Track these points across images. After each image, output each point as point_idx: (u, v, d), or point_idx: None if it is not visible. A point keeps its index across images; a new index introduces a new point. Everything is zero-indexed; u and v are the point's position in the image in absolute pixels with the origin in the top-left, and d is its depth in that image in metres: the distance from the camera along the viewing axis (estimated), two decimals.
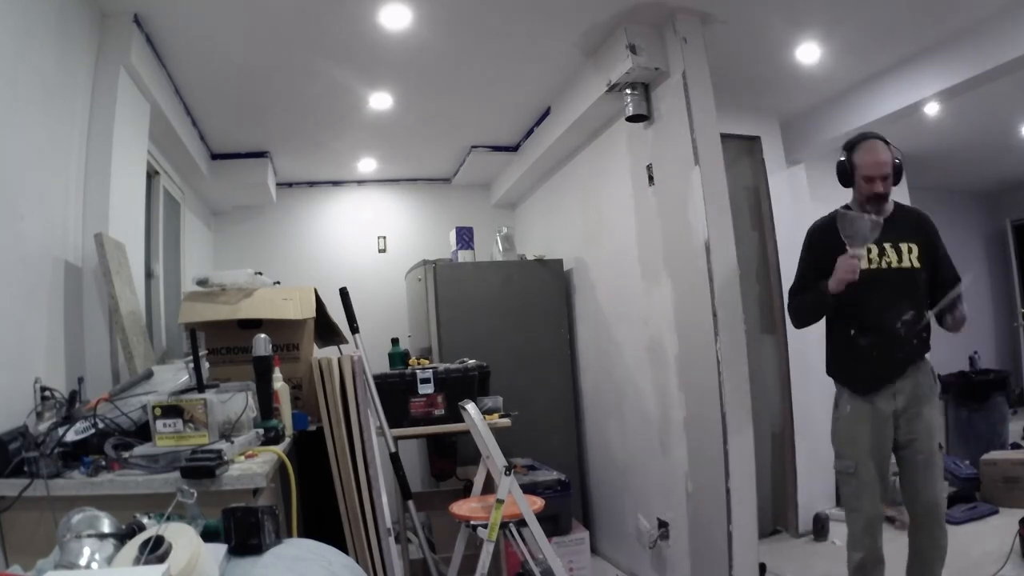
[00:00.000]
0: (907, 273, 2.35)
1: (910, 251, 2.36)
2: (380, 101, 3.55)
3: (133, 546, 1.02)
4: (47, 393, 1.78)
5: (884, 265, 2.35)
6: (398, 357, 3.22)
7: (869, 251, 2.33)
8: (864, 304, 2.33)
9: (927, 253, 2.37)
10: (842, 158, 2.44)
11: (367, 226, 5.10)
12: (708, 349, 2.70)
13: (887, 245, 2.34)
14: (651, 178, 3.09)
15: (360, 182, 5.10)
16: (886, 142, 2.37)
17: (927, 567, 2.48)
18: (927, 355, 2.43)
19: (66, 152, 2.18)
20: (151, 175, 3.27)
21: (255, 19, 2.64)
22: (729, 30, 2.93)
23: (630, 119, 3.04)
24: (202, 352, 2.14)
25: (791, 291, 2.60)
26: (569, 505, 3.36)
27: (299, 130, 3.94)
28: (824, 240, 2.41)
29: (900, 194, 5.25)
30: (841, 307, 2.37)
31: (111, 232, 2.29)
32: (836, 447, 2.47)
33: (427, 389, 3.00)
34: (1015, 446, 4.42)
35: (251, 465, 1.56)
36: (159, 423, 1.57)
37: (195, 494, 1.19)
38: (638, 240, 3.27)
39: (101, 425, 1.64)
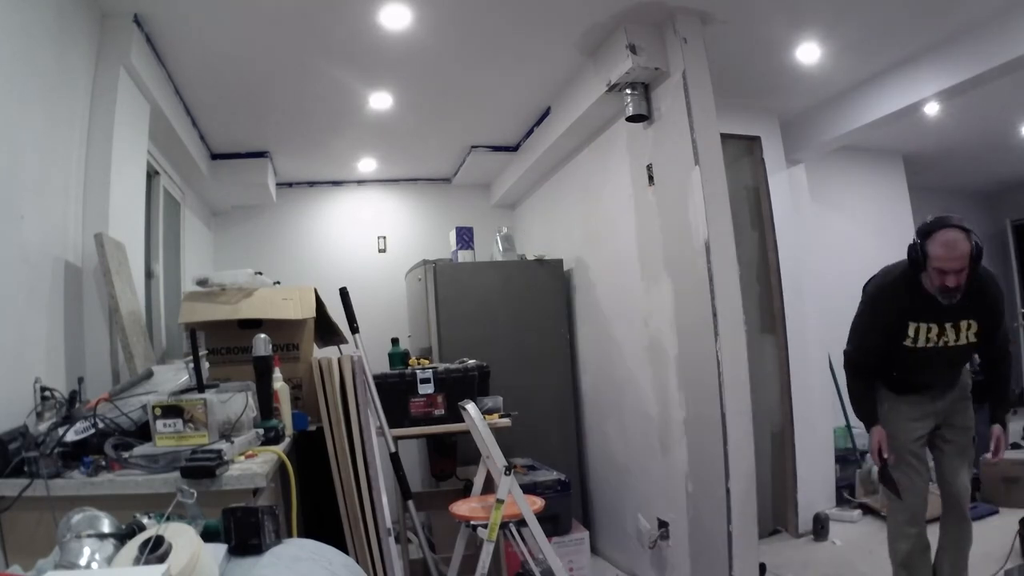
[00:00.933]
0: (962, 349, 2.38)
1: (968, 327, 2.34)
2: (380, 101, 3.55)
3: (133, 546, 1.02)
4: (47, 393, 1.78)
5: (941, 344, 2.35)
6: (398, 357, 3.23)
7: (930, 331, 2.34)
8: (913, 369, 2.43)
9: (985, 325, 2.35)
10: (915, 241, 2.29)
11: (367, 226, 5.10)
12: (708, 349, 2.70)
13: (948, 325, 2.33)
14: (651, 178, 3.09)
15: (360, 182, 5.10)
16: (966, 230, 2.21)
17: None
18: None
19: (66, 152, 2.18)
20: (151, 175, 3.27)
21: (255, 19, 2.64)
22: (729, 30, 2.93)
23: (630, 119, 3.04)
24: (202, 352, 2.14)
25: (852, 354, 2.56)
26: (569, 505, 3.36)
27: (299, 130, 3.94)
28: (892, 305, 2.39)
29: (900, 193, 5.30)
30: (890, 364, 2.49)
31: (111, 232, 2.29)
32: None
33: (427, 389, 3.00)
34: (1015, 446, 4.42)
35: (251, 465, 1.56)
36: (159, 423, 1.57)
37: (195, 494, 1.19)
38: (638, 240, 3.27)
39: (101, 425, 1.64)
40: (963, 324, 2.33)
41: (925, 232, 2.27)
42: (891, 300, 2.39)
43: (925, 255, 2.25)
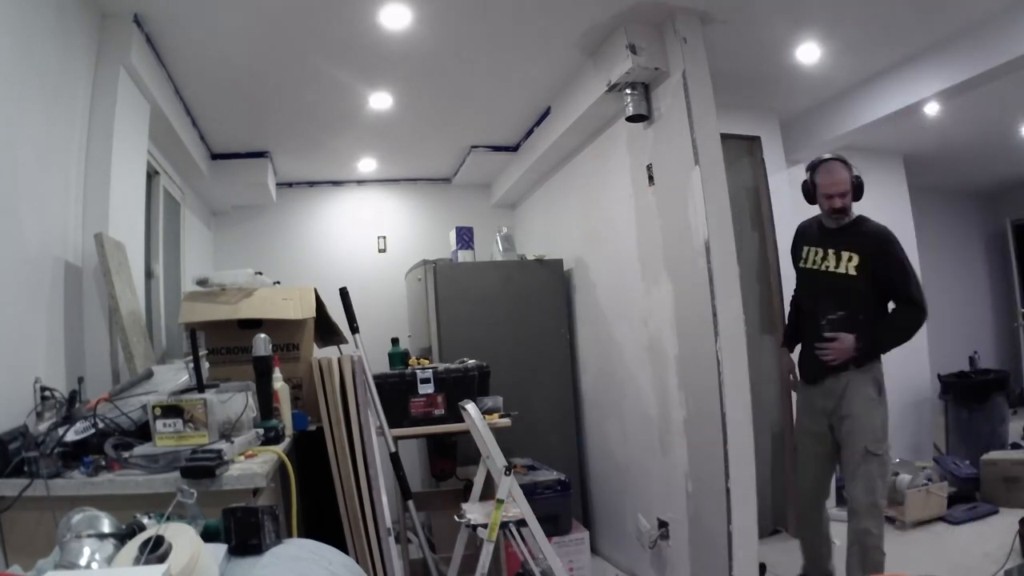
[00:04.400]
0: (840, 278, 2.67)
1: (849, 260, 2.65)
2: (380, 101, 3.55)
3: (133, 546, 1.02)
4: (47, 393, 1.78)
5: (824, 268, 2.72)
6: (398, 357, 3.22)
7: (816, 253, 2.76)
8: (805, 299, 2.80)
9: (871, 266, 2.61)
10: (805, 178, 2.80)
11: (367, 226, 5.10)
12: (708, 349, 2.70)
13: (831, 251, 2.70)
14: (651, 178, 3.09)
15: (360, 182, 5.10)
16: (845, 163, 2.69)
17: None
18: (871, 364, 2.68)
19: (66, 152, 2.18)
20: (151, 175, 3.27)
21: (255, 19, 2.64)
22: (729, 30, 2.93)
23: (630, 119, 3.04)
24: (202, 352, 2.14)
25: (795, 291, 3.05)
26: (569, 505, 3.36)
27: (299, 130, 3.94)
28: (799, 239, 2.94)
29: (900, 194, 5.30)
30: (797, 298, 2.94)
31: (111, 232, 2.29)
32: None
33: (427, 389, 3.00)
34: (1015, 446, 4.42)
35: (251, 465, 1.56)
36: (159, 423, 1.57)
37: (195, 494, 1.19)
38: (638, 240, 3.27)
39: (101, 425, 1.64)
40: (844, 255, 2.67)
41: (812, 168, 2.78)
42: (800, 235, 2.94)
43: (814, 185, 2.74)
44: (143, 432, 1.66)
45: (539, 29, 2.89)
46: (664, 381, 3.07)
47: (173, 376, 2.00)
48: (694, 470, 2.87)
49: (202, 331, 2.28)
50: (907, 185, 5.33)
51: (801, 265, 2.86)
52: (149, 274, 3.18)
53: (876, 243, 2.65)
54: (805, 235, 2.90)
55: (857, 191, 2.68)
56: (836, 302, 2.67)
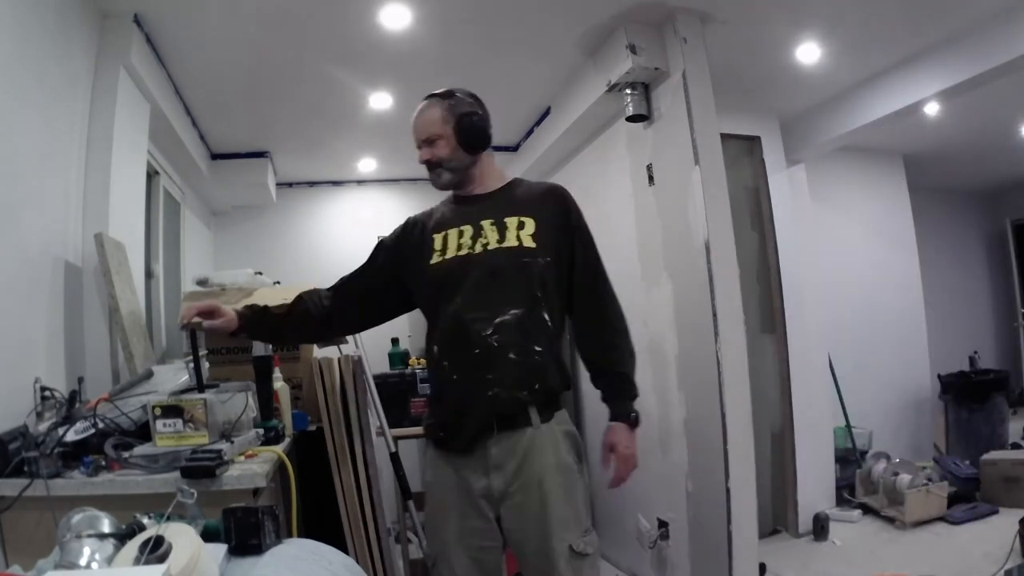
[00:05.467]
0: (512, 254, 1.63)
1: (521, 226, 1.66)
2: (380, 101, 3.55)
3: (133, 546, 1.02)
4: (47, 393, 1.78)
5: (479, 249, 1.64)
6: (398, 357, 3.23)
7: (449, 236, 1.69)
8: (442, 309, 1.65)
9: (549, 233, 1.69)
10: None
11: (367, 226, 5.08)
12: (708, 349, 2.70)
13: (485, 223, 1.66)
14: (651, 178, 3.09)
15: (360, 182, 5.09)
16: (446, 96, 1.73)
17: None
18: (558, 402, 1.74)
19: (66, 152, 2.18)
20: (151, 175, 3.27)
21: (255, 19, 2.64)
22: (729, 30, 2.93)
23: (630, 119, 3.04)
24: (202, 352, 2.14)
25: None
26: None
27: (299, 130, 3.93)
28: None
29: (900, 193, 5.29)
30: (428, 323, 1.74)
31: (111, 232, 2.29)
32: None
33: (427, 389, 3.00)
34: (1015, 446, 4.42)
35: (251, 465, 1.56)
36: (159, 423, 1.57)
37: (195, 494, 1.19)
38: (638, 240, 3.27)
39: (101, 425, 1.64)
40: (509, 222, 1.68)
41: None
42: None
43: None
44: (143, 432, 1.66)
45: (539, 29, 2.89)
46: (664, 381, 3.07)
47: (173, 376, 2.00)
48: (694, 470, 2.87)
49: (202, 331, 2.28)
50: (907, 185, 5.33)
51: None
52: (149, 274, 3.18)
53: (551, 201, 1.81)
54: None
55: (464, 134, 1.70)
56: (505, 294, 1.62)
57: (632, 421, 1.93)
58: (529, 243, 1.65)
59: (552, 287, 1.69)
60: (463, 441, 1.62)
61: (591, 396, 3.96)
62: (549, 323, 1.67)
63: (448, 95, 1.74)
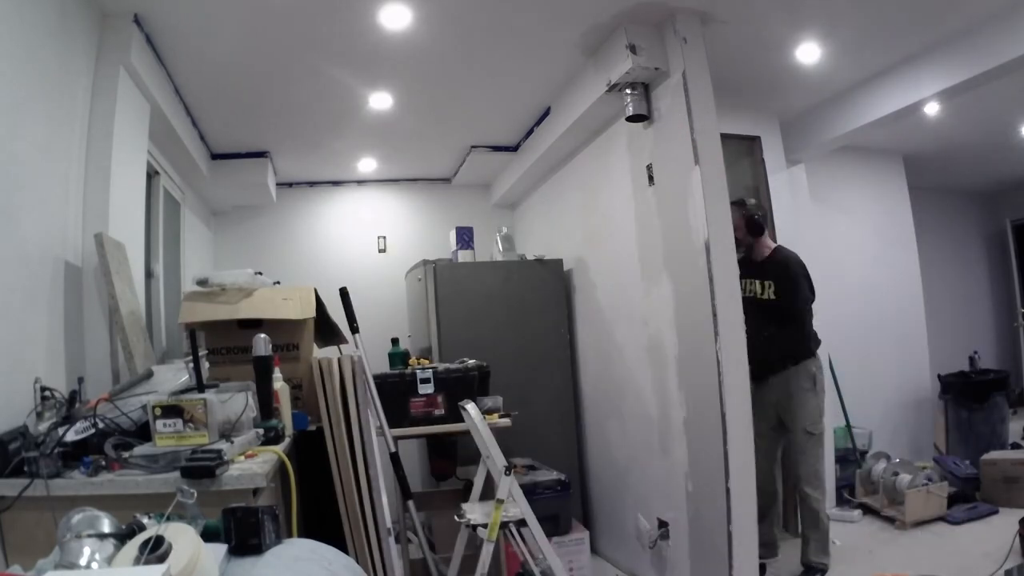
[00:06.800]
0: (764, 303, 3.24)
1: (768, 287, 3.25)
2: (380, 101, 3.55)
3: (133, 546, 1.02)
4: (47, 393, 1.78)
5: (751, 295, 3.24)
6: (398, 357, 3.23)
7: (748, 284, 3.25)
8: (748, 320, 2.95)
9: (782, 289, 3.21)
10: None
11: (367, 226, 5.10)
12: (708, 349, 2.70)
13: (757, 282, 3.28)
14: (651, 178, 3.09)
15: (360, 182, 5.10)
16: (742, 203, 3.23)
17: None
18: (804, 360, 3.19)
19: (66, 152, 2.18)
20: (151, 175, 3.27)
21: (255, 19, 2.64)
22: (729, 30, 2.93)
23: (630, 119, 3.04)
24: (202, 352, 2.14)
25: None
26: (569, 505, 3.36)
27: (299, 130, 3.94)
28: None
29: (900, 193, 5.30)
30: None
31: (111, 232, 2.29)
32: None
33: (427, 389, 3.00)
34: (1015, 446, 4.42)
35: (251, 465, 1.56)
36: (159, 423, 1.57)
37: (195, 494, 1.19)
38: (638, 240, 3.27)
39: (101, 425, 1.64)
40: (765, 284, 3.25)
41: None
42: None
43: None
44: (143, 432, 1.66)
45: (539, 29, 2.89)
46: (664, 381, 3.07)
47: (173, 376, 2.00)
48: (694, 470, 2.87)
49: (202, 331, 2.28)
50: (907, 185, 5.34)
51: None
52: (149, 274, 3.18)
53: (782, 270, 3.22)
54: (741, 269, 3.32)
55: (752, 227, 3.23)
56: (764, 322, 3.17)
57: None
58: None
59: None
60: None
61: (591, 396, 3.97)
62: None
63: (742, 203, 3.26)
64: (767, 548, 3.21)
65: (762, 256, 3.28)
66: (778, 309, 3.22)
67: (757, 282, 3.28)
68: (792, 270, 3.22)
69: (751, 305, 3.09)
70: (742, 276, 3.11)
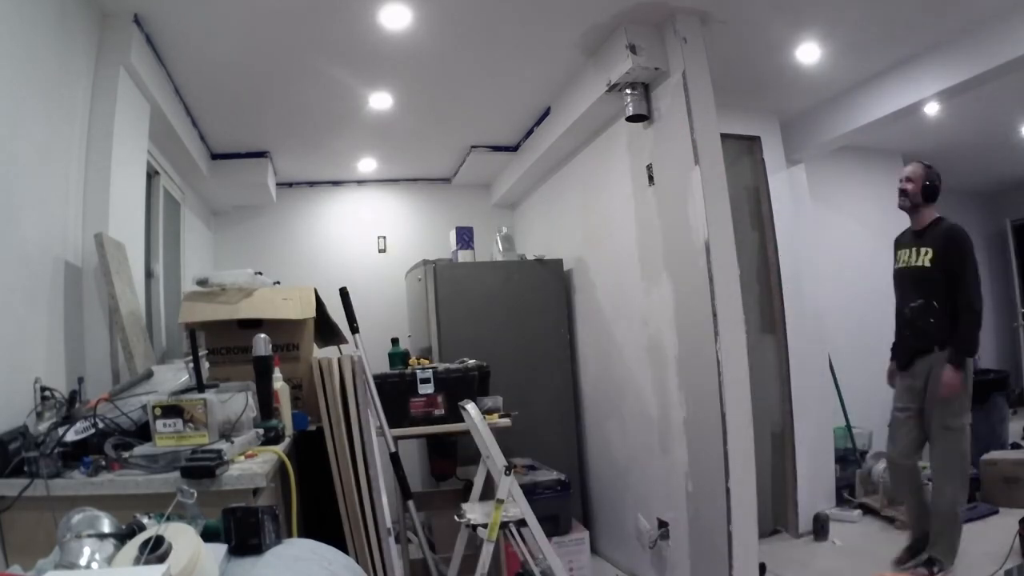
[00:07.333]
0: (915, 271, 3.09)
1: (925, 253, 3.08)
2: (380, 101, 3.55)
3: (133, 546, 1.02)
4: (47, 393, 1.78)
5: (904, 264, 3.16)
6: (398, 357, 3.23)
7: (901, 254, 3.23)
8: (897, 292, 3.14)
9: (940, 259, 3.01)
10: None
11: (367, 226, 5.10)
12: (708, 349, 2.70)
13: (912, 249, 3.14)
14: (651, 178, 3.09)
15: (360, 182, 5.10)
16: (925, 165, 3.22)
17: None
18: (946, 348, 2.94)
19: (66, 152, 2.18)
20: (151, 175, 3.27)
21: (255, 19, 2.64)
22: (729, 30, 2.93)
23: (630, 119, 3.04)
24: (202, 352, 2.14)
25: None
26: (569, 505, 3.36)
27: (299, 130, 3.94)
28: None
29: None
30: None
31: (111, 232, 2.29)
32: None
33: (427, 389, 3.00)
34: (1015, 446, 4.42)
35: (251, 465, 1.56)
36: (159, 423, 1.57)
37: (195, 494, 1.19)
38: (638, 240, 3.27)
39: (101, 425, 1.64)
40: (922, 250, 3.10)
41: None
42: (895, 242, 3.39)
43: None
44: (143, 432, 1.66)
45: (539, 29, 2.89)
46: (664, 381, 3.07)
47: (173, 376, 2.00)
48: (694, 470, 2.87)
49: (202, 331, 2.28)
50: None
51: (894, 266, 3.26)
52: (149, 274, 3.18)
53: (945, 238, 3.05)
54: (898, 241, 3.33)
55: (926, 194, 3.17)
56: (915, 292, 3.07)
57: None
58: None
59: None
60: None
61: (591, 396, 3.97)
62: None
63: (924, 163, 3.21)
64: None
65: (921, 225, 3.19)
66: (929, 279, 3.02)
67: (912, 249, 3.15)
68: (957, 240, 3.03)
69: (900, 276, 3.16)
70: (897, 247, 3.25)
